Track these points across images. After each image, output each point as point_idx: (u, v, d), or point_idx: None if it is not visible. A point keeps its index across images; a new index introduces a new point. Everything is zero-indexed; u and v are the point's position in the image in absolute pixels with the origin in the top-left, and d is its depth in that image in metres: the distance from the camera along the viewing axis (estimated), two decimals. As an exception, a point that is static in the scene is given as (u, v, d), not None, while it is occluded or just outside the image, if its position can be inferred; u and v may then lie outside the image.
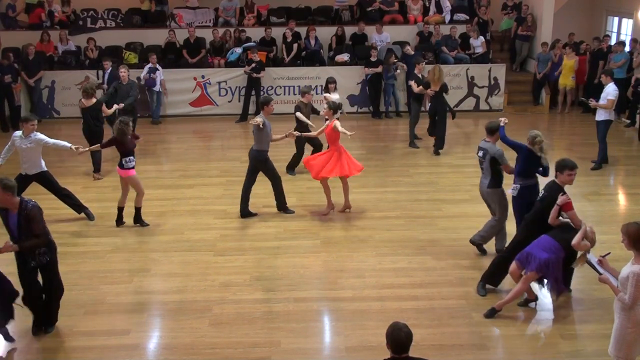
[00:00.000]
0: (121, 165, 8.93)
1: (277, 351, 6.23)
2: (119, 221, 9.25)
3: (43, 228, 6.25)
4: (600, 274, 5.22)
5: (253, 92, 15.54)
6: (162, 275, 7.79)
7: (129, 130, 8.93)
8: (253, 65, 15.22)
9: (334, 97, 11.48)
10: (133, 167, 8.99)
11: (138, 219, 9.24)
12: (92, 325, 6.72)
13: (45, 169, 9.22)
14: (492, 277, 7.21)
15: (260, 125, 9.12)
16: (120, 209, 9.23)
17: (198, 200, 10.24)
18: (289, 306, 6.98)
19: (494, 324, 6.72)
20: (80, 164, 11.88)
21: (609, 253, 5.54)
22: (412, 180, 11.12)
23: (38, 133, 8.99)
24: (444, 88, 12.43)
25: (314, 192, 10.20)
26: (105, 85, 13.79)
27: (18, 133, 9.02)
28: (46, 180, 9.25)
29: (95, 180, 11.30)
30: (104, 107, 11.65)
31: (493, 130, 7.74)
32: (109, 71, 14.10)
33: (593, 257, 5.41)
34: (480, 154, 7.84)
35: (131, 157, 8.93)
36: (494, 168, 7.72)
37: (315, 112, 11.34)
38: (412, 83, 12.90)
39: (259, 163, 9.40)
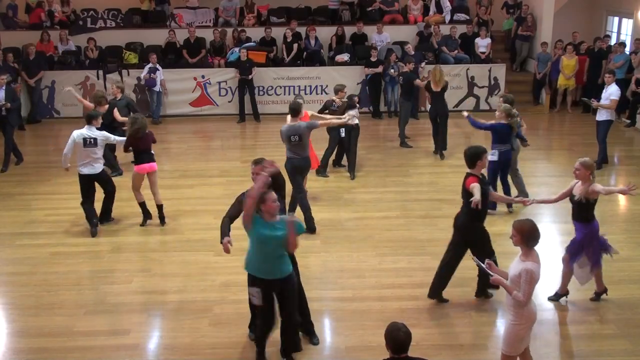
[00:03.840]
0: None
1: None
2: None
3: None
4: (490, 275, 5.23)
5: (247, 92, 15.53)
6: (162, 275, 7.79)
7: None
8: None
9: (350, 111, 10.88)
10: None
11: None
12: (92, 325, 6.72)
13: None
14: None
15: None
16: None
17: (198, 200, 10.24)
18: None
19: (494, 324, 6.74)
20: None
21: (494, 257, 5.62)
22: (412, 180, 11.13)
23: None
24: (445, 88, 12.43)
25: (315, 192, 10.19)
26: (3, 102, 11.93)
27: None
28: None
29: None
30: (116, 112, 11.23)
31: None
32: (3, 88, 12.19)
33: (480, 262, 5.46)
34: None
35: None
36: None
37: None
38: (418, 82, 13.01)
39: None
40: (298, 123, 8.84)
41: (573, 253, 6.87)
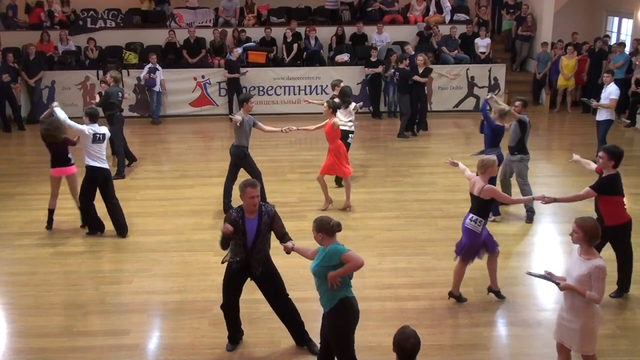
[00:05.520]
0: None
1: (277, 351, 6.23)
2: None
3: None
4: (558, 283, 5.21)
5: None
6: (162, 275, 7.79)
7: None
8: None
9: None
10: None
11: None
12: (92, 325, 6.73)
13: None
14: None
15: (238, 124, 9.12)
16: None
17: (198, 200, 10.24)
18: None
19: (494, 324, 6.74)
20: (81, 164, 11.83)
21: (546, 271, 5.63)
22: (412, 180, 11.13)
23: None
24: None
25: (314, 192, 10.19)
26: None
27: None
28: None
29: None
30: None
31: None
32: None
33: (539, 272, 5.45)
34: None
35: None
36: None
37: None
38: (417, 77, 13.65)
39: (239, 159, 9.45)
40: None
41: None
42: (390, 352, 4.29)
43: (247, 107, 9.37)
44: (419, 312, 6.83)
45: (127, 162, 11.82)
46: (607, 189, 6.74)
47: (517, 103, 9.33)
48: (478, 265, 7.60)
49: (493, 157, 7.20)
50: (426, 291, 7.30)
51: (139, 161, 12.18)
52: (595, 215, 6.80)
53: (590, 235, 5.02)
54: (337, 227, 5.19)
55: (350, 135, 10.52)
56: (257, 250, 5.88)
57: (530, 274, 5.53)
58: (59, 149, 8.83)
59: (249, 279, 6.10)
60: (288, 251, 5.75)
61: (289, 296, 6.20)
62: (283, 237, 5.89)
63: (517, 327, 6.65)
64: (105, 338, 6.46)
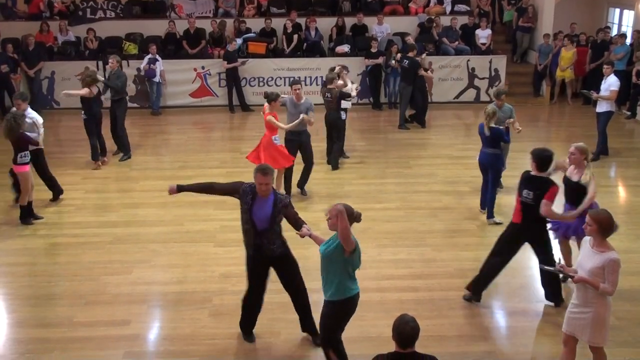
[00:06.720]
0: (15, 161, 8.81)
1: (277, 342, 6.25)
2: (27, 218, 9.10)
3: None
4: (571, 276, 5.21)
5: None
6: (162, 266, 7.80)
7: (20, 126, 8.68)
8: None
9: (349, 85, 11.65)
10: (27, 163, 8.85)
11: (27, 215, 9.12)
12: (93, 315, 6.74)
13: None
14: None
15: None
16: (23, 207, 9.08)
17: (198, 191, 10.22)
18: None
19: (492, 316, 6.76)
20: (81, 155, 11.87)
21: (560, 259, 5.63)
22: (412, 172, 11.12)
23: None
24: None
25: (313, 183, 10.19)
26: None
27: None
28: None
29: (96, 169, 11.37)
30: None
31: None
32: None
33: (551, 268, 5.45)
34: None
35: (26, 152, 8.83)
36: None
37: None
38: (423, 72, 13.92)
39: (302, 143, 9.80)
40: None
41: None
42: (390, 343, 4.31)
43: (293, 92, 9.65)
44: (418, 304, 6.85)
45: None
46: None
47: (503, 97, 9.56)
48: (477, 257, 7.63)
49: (579, 143, 7.10)
50: (426, 282, 7.31)
51: (140, 152, 12.18)
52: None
53: (603, 228, 5.03)
54: (358, 218, 5.26)
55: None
56: (268, 228, 5.82)
57: (543, 268, 5.52)
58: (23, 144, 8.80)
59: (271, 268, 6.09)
60: (303, 236, 5.71)
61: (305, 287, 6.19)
62: (297, 221, 5.84)
63: (516, 318, 6.67)
64: (106, 328, 6.47)
